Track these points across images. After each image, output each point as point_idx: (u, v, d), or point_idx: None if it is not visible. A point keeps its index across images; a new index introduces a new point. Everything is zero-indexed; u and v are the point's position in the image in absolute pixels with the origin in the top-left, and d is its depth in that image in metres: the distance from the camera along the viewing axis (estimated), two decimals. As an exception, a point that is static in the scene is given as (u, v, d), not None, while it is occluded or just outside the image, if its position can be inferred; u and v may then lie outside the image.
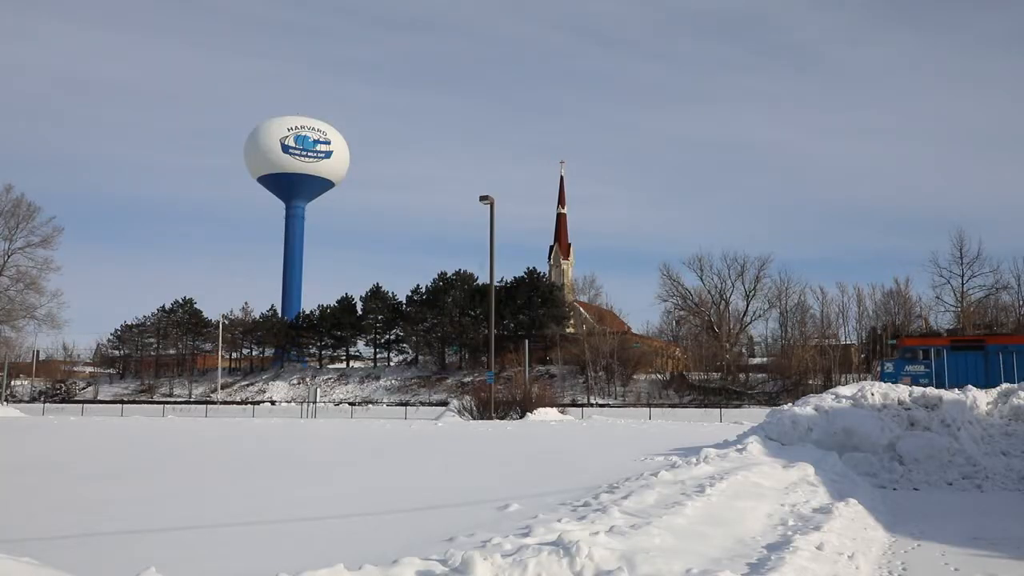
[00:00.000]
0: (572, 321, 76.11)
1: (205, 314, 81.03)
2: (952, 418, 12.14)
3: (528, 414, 30.59)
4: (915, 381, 34.01)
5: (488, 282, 38.18)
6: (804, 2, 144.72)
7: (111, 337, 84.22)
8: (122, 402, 59.81)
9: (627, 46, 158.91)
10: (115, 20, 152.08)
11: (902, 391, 13.15)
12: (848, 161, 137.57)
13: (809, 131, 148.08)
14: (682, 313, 71.31)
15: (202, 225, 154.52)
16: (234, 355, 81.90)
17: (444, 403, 48.27)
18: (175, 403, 63.11)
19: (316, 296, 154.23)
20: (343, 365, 79.81)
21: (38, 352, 78.47)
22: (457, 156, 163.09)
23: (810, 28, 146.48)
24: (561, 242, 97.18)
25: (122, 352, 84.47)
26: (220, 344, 72.69)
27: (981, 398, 13.45)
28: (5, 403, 50.57)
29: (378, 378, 73.10)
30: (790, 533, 6.19)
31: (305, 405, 45.73)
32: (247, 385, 74.82)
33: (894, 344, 45.45)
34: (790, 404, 13.74)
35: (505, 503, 7.15)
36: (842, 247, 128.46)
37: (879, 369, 36.32)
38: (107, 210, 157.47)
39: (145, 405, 59.45)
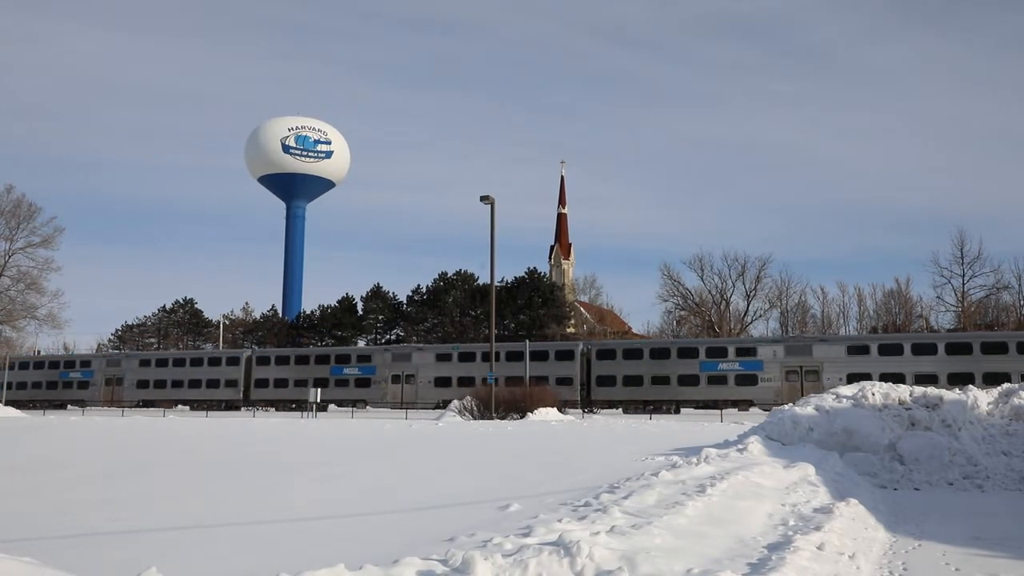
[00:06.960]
0: (573, 321, 76.11)
1: (206, 314, 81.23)
2: (953, 418, 12.13)
3: (529, 414, 30.59)
4: None
5: (489, 282, 38.21)
6: (808, 4, 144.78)
7: (112, 337, 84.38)
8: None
9: (628, 46, 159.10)
10: (115, 20, 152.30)
11: (903, 391, 13.13)
12: (849, 161, 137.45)
13: (810, 131, 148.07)
14: (683, 313, 71.12)
15: (202, 225, 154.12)
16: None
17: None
18: (175, 403, 62.96)
19: (317, 296, 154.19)
20: (343, 365, 79.80)
21: (39, 352, 78.49)
22: (458, 156, 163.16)
23: (811, 30, 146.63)
24: (562, 242, 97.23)
25: (123, 352, 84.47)
26: (221, 344, 72.72)
27: (982, 398, 13.43)
28: (5, 403, 50.55)
29: (378, 378, 73.03)
30: (791, 533, 6.19)
31: (305, 405, 45.76)
32: (247, 385, 74.76)
33: None
34: (791, 404, 13.74)
35: (506, 503, 7.15)
36: (843, 247, 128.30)
37: None
38: (107, 210, 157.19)
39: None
